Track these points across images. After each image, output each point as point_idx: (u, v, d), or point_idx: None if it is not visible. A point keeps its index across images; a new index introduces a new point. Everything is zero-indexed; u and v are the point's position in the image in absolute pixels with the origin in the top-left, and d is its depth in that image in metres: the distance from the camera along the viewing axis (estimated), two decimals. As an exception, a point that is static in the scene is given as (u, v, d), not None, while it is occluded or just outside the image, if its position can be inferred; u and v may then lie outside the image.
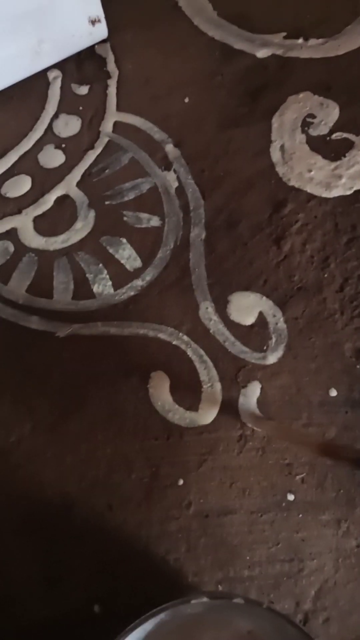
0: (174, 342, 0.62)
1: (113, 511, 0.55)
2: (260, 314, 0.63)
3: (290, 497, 0.56)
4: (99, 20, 0.73)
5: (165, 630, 0.49)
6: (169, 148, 0.70)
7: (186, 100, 0.73)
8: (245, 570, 0.54)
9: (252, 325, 0.62)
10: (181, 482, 0.57)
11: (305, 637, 0.44)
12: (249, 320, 0.62)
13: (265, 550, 0.55)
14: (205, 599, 0.45)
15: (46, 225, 0.67)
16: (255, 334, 0.62)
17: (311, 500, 0.56)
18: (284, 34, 0.76)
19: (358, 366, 0.60)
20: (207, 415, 0.59)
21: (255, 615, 0.48)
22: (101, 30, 0.74)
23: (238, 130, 0.71)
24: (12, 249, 0.66)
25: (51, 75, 0.75)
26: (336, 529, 0.55)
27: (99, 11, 0.72)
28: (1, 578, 0.53)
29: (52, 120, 0.72)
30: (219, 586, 0.53)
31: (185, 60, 0.76)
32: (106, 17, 0.74)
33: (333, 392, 0.59)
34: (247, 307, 0.63)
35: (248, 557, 0.55)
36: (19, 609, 0.53)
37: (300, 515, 0.56)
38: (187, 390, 0.60)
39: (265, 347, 0.61)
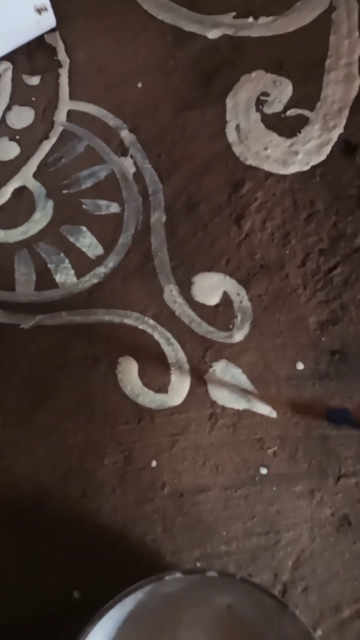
0: (140, 327, 0.62)
1: (88, 498, 0.56)
2: (225, 293, 0.63)
3: (264, 470, 0.57)
4: (46, 9, 0.72)
5: (146, 612, 0.49)
6: (125, 134, 0.70)
7: (140, 85, 0.73)
8: (222, 545, 0.55)
9: (217, 305, 0.63)
10: (154, 463, 0.57)
11: (281, 606, 0.45)
12: (213, 300, 0.63)
13: (241, 524, 0.55)
14: (179, 575, 0.45)
15: (4, 217, 0.67)
16: (221, 314, 0.62)
17: (284, 472, 0.56)
18: (234, 13, 0.76)
19: (323, 339, 0.60)
20: (177, 396, 0.59)
21: (234, 589, 0.48)
22: (49, 19, 0.74)
23: (193, 113, 0.71)
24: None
25: (1, 67, 0.74)
26: (310, 499, 0.56)
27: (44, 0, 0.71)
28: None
29: (4, 112, 0.72)
30: (197, 563, 0.54)
31: (137, 46, 0.75)
32: (55, 6, 0.73)
33: (300, 366, 0.60)
34: (211, 287, 0.63)
35: (224, 533, 0.55)
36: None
37: (274, 488, 0.56)
38: (156, 373, 0.60)
39: (231, 326, 0.61)
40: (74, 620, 0.51)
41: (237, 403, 0.59)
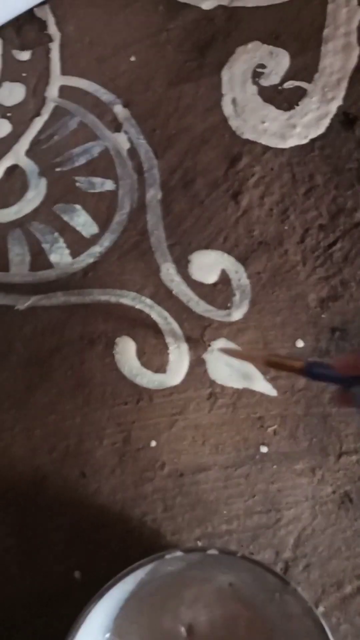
0: (137, 307, 0.61)
1: (87, 479, 0.55)
2: (223, 271, 0.62)
3: (264, 449, 0.56)
4: (35, -20, 0.70)
5: (147, 590, 0.49)
6: (118, 109, 0.68)
7: (132, 59, 0.71)
8: (223, 525, 0.54)
9: (215, 284, 0.62)
10: (154, 443, 0.56)
11: (284, 583, 0.45)
12: (211, 278, 0.62)
13: (242, 503, 0.55)
14: (179, 553, 0.45)
15: (-3, 197, 0.66)
16: (219, 292, 0.61)
17: (284, 451, 0.56)
18: (228, -17, 0.74)
19: (323, 316, 0.59)
20: (176, 376, 0.58)
21: (235, 568, 0.48)
22: (38, -9, 0.72)
23: (188, 86, 0.69)
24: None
25: (-11, 42, 0.72)
26: (311, 477, 0.55)
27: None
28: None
29: (-6, 88, 0.70)
30: (198, 543, 0.54)
31: (129, 17, 0.73)
32: (43, -22, 0.71)
33: (300, 344, 0.59)
34: (209, 265, 0.62)
35: (225, 512, 0.55)
36: (-1, 583, 0.52)
37: (275, 467, 0.56)
38: (154, 353, 0.59)
39: (229, 304, 0.61)
40: (74, 599, 0.51)
41: (236, 382, 0.58)
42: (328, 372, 0.39)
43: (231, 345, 0.59)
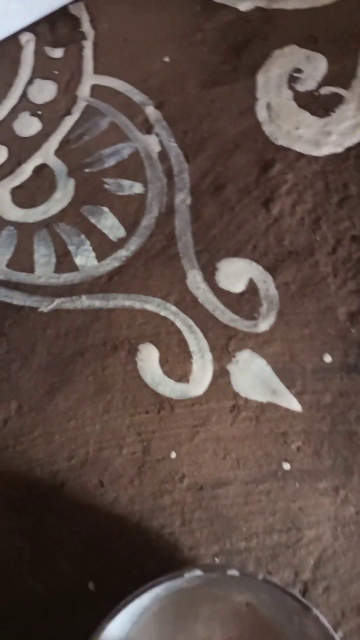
0: (161, 313, 0.60)
1: (105, 488, 0.54)
2: (250, 280, 0.60)
3: (286, 466, 0.55)
4: (71, -23, 0.69)
5: (162, 606, 0.48)
6: (150, 110, 0.67)
7: (166, 59, 0.70)
8: (242, 542, 0.53)
9: (242, 293, 0.60)
10: (174, 455, 0.55)
11: (304, 608, 0.43)
12: (238, 287, 0.60)
13: (262, 521, 0.53)
14: (198, 572, 0.44)
15: (24, 196, 0.65)
16: (246, 302, 0.60)
17: (308, 468, 0.54)
18: (267, -16, 0.72)
19: (353, 330, 0.58)
20: (199, 386, 0.57)
21: (253, 587, 0.47)
22: (74, -12, 0.71)
23: (221, 89, 0.68)
24: (-10, 221, 0.63)
25: (23, 38, 0.71)
26: (334, 497, 0.54)
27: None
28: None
29: (26, 86, 0.69)
30: (216, 559, 0.52)
31: (164, 16, 0.72)
32: (79, -26, 0.70)
33: (327, 358, 0.57)
34: (237, 273, 0.61)
35: (244, 529, 0.53)
36: (9, 585, 0.52)
37: (297, 485, 0.54)
38: (177, 362, 0.58)
39: (256, 315, 0.59)
40: (86, 608, 0.50)
41: (260, 395, 0.57)
42: None
43: (256, 357, 0.58)
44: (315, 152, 0.64)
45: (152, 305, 0.60)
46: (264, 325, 0.59)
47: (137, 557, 0.52)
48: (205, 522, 0.53)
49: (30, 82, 0.69)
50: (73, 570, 0.52)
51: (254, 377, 0.57)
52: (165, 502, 0.54)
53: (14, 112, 0.68)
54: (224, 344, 0.58)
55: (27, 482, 0.54)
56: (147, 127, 0.67)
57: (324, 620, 0.43)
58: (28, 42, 0.71)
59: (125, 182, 0.65)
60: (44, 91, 0.69)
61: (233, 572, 0.44)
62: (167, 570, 0.49)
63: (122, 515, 0.53)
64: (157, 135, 0.66)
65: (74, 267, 0.62)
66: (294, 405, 0.56)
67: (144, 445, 0.56)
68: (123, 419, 0.56)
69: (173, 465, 0.55)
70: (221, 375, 0.58)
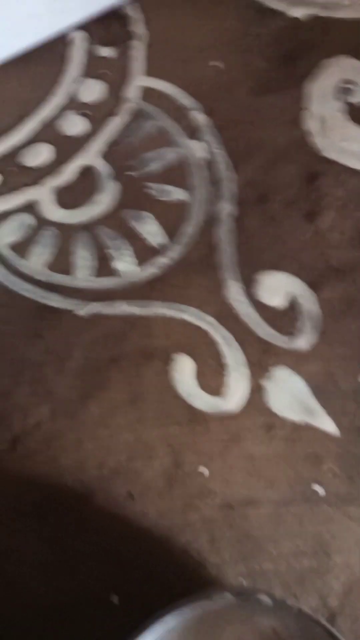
0: (198, 324, 0.59)
1: (133, 500, 0.53)
2: (291, 295, 0.59)
3: (318, 489, 0.53)
4: (125, -24, 0.68)
5: (185, 626, 0.47)
6: (197, 115, 0.66)
7: (217, 63, 0.69)
8: (269, 563, 0.52)
9: (282, 308, 0.59)
10: (205, 470, 0.54)
11: (333, 639, 0.42)
12: (278, 301, 0.59)
13: (291, 543, 0.52)
14: (228, 595, 0.43)
15: (67, 196, 0.64)
16: (285, 317, 0.59)
17: (340, 493, 0.53)
18: (324, -9, 0.71)
19: (394, 353, 0.56)
20: (233, 401, 0.56)
21: (281, 612, 0.46)
22: (127, -12, 0.70)
23: (271, 97, 0.67)
24: (31, 222, 0.63)
25: (74, 36, 0.70)
26: (366, 523, 0.52)
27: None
28: (13, 560, 0.52)
29: (74, 84, 0.68)
30: (242, 579, 0.51)
31: (216, 19, 0.71)
32: (134, -27, 0.69)
33: (365, 380, 0.56)
34: (277, 287, 0.60)
35: (272, 551, 0.52)
36: (31, 593, 0.51)
37: (328, 509, 0.53)
38: (212, 375, 0.57)
39: (295, 331, 0.58)
40: (107, 622, 0.50)
41: (296, 414, 0.55)
42: None
43: (293, 375, 0.56)
44: (364, 167, 0.63)
45: (190, 315, 0.59)
46: (302, 342, 0.57)
47: (163, 573, 0.52)
48: (233, 541, 0.53)
49: (78, 80, 0.69)
50: (96, 582, 0.51)
51: (290, 395, 0.56)
52: (193, 518, 0.53)
53: (60, 111, 0.67)
54: (261, 359, 0.57)
55: (55, 488, 0.54)
56: (194, 133, 0.66)
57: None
58: (79, 39, 0.70)
59: (169, 188, 0.64)
60: (93, 91, 0.68)
61: (263, 598, 0.43)
62: (192, 588, 0.49)
63: (150, 528, 0.53)
64: (204, 141, 0.65)
65: (113, 272, 0.61)
66: (330, 427, 0.55)
67: (175, 458, 0.55)
68: (155, 429, 0.56)
69: (203, 481, 0.54)
70: (256, 391, 0.56)
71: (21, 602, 0.51)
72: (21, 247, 0.62)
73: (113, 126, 0.66)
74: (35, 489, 0.54)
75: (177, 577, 0.51)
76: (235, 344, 0.58)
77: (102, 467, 0.55)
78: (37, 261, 0.61)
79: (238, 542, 0.52)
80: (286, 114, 0.66)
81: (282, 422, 0.55)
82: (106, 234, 0.62)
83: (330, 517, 0.53)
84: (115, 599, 0.51)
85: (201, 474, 0.54)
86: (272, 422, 0.55)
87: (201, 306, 0.59)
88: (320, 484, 0.53)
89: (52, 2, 0.65)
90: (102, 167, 0.65)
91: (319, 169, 0.64)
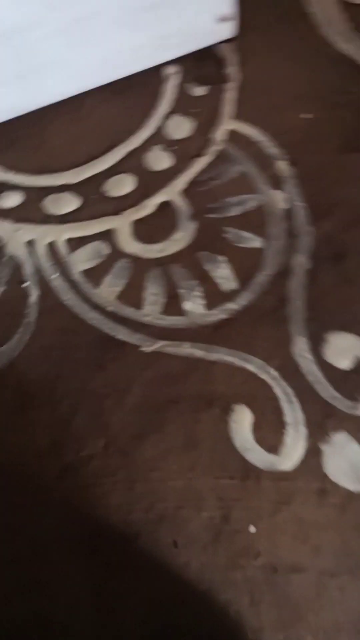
0: (261, 376, 0.58)
1: (178, 549, 0.52)
2: (358, 359, 0.58)
3: (366, 563, 0.52)
4: (228, 19, 0.68)
5: None
6: (282, 165, 0.66)
7: (307, 116, 0.68)
8: (308, 634, 0.50)
9: (347, 370, 0.58)
10: (252, 529, 0.53)
11: None
12: (344, 363, 0.58)
13: (332, 616, 0.51)
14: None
15: (144, 231, 0.64)
16: (350, 380, 0.57)
17: (388, 571, 0.52)
18: None
19: None
20: (288, 460, 0.55)
21: None
22: (228, 30, 0.70)
23: (358, 156, 0.66)
24: (107, 251, 0.63)
25: (169, 71, 0.71)
26: None
27: (229, 9, 0.67)
28: (49, 599, 0.51)
29: (164, 119, 0.69)
30: (279, 649, 0.50)
31: (311, 72, 0.71)
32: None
33: None
34: (345, 349, 0.59)
35: (312, 621, 0.51)
36: (64, 635, 0.50)
37: (374, 586, 0.51)
38: (270, 430, 0.56)
39: (358, 396, 0.57)
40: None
41: (351, 483, 0.54)
42: None
43: (352, 442, 0.55)
44: None
45: (254, 365, 0.58)
46: (365, 409, 0.56)
47: (200, 629, 0.50)
48: (274, 606, 0.51)
49: (168, 116, 0.69)
50: (132, 629, 0.50)
51: (347, 462, 0.55)
52: (236, 577, 0.52)
53: (148, 144, 0.68)
54: (321, 420, 0.56)
55: (101, 527, 0.53)
56: (276, 182, 0.65)
57: None
58: (173, 75, 0.71)
59: (246, 235, 0.63)
60: (181, 127, 0.68)
61: None
62: (228, 650, 0.48)
63: (191, 581, 0.52)
64: (286, 192, 0.65)
65: (181, 312, 0.61)
66: (385, 501, 0.53)
67: (223, 512, 0.54)
68: (207, 480, 0.55)
69: (250, 540, 0.53)
70: (313, 454, 0.55)
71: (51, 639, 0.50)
72: (94, 275, 0.62)
73: (197, 166, 0.66)
74: (82, 526, 0.53)
75: (213, 636, 0.50)
76: (297, 402, 0.57)
77: (149, 511, 0.54)
78: (108, 291, 0.61)
79: (279, 607, 0.51)
80: (372, 175, 0.66)
81: (336, 488, 0.54)
82: (179, 273, 0.62)
83: (375, 595, 0.51)
84: (150, 650, 0.50)
85: (248, 532, 0.53)
86: (325, 488, 0.54)
87: (266, 358, 0.59)
88: (368, 558, 0.52)
89: (156, 38, 0.66)
90: (182, 205, 0.65)
91: None
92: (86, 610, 0.51)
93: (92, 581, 0.52)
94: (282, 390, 0.57)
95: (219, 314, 0.61)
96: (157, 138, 0.68)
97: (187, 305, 0.61)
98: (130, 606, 0.51)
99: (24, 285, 0.61)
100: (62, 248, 0.63)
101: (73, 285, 0.61)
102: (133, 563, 0.52)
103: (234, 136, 0.68)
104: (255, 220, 0.64)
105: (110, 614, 0.51)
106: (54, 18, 0.59)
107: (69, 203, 0.65)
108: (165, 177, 0.66)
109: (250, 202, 0.65)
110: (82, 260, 0.62)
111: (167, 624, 0.51)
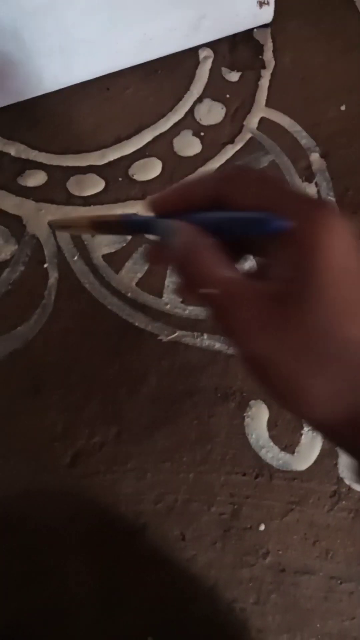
0: (280, 372, 0.56)
1: (185, 542, 0.52)
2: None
3: (376, 570, 0.51)
4: (268, 3, 0.66)
5: None
6: (315, 158, 0.64)
7: (343, 108, 0.66)
8: (313, 638, 0.50)
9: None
10: (262, 527, 0.52)
11: None
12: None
13: (339, 622, 0.50)
14: None
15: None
16: (370, 382, 0.56)
17: None
18: None
19: None
20: (303, 460, 0.54)
21: None
22: (266, 14, 0.68)
23: (395, 152, 0.64)
24: (129, 236, 0.61)
25: (202, 54, 0.69)
26: None
27: (269, -7, 0.65)
28: (57, 589, 0.50)
29: (195, 103, 0.67)
30: (283, 651, 0.49)
31: (349, 62, 0.68)
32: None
33: None
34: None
35: (318, 626, 0.50)
36: (70, 627, 0.50)
37: (383, 593, 0.50)
38: (286, 429, 0.55)
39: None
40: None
41: (365, 487, 0.53)
42: (140, 218, 0.31)
43: None
44: None
45: (273, 361, 0.57)
46: (384, 413, 0.55)
47: (204, 626, 0.50)
48: (280, 607, 0.50)
49: (199, 100, 0.67)
50: (136, 624, 0.50)
51: None
52: (243, 575, 0.51)
53: (177, 128, 0.66)
54: (338, 422, 0.55)
55: (110, 517, 0.52)
56: (308, 175, 0.63)
57: None
58: (207, 58, 0.69)
59: (273, 227, 0.61)
60: (212, 113, 0.66)
61: None
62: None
63: (197, 576, 0.51)
64: (317, 185, 0.63)
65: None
66: None
67: (234, 508, 0.53)
68: (218, 474, 0.54)
69: (259, 539, 0.52)
70: (329, 456, 0.54)
71: (57, 630, 0.50)
72: (115, 260, 0.60)
73: (227, 153, 0.64)
74: (92, 516, 0.52)
75: (217, 634, 0.50)
76: (314, 401, 0.55)
77: (159, 502, 0.53)
78: (129, 277, 0.60)
79: (284, 609, 0.50)
80: None
81: (350, 492, 0.53)
82: (202, 262, 0.60)
83: (384, 604, 0.50)
84: (150, 641, 0.49)
85: (258, 530, 0.52)
86: (339, 491, 0.53)
87: (286, 355, 0.57)
88: (378, 565, 0.51)
89: (192, 20, 0.64)
90: (209, 193, 0.63)
91: None
92: (93, 603, 0.50)
93: (100, 574, 0.51)
94: (300, 388, 0.56)
95: (240, 307, 0.59)
96: (188, 122, 0.66)
97: (209, 296, 0.59)
98: (135, 599, 0.50)
99: (44, 266, 0.60)
100: (85, 230, 0.62)
101: (93, 269, 0.60)
102: (140, 555, 0.51)
103: (266, 124, 0.66)
104: (283, 213, 0.62)
105: (115, 606, 0.50)
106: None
107: (94, 185, 0.63)
108: (193, 163, 0.64)
109: (279, 193, 0.63)
110: (103, 245, 0.61)
111: (172, 618, 0.50)
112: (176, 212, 0.28)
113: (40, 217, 0.62)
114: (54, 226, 0.55)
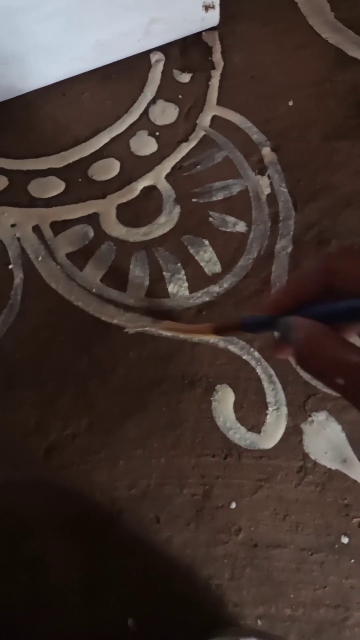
0: (244, 357, 0.59)
1: (160, 525, 0.53)
2: (339, 341, 0.59)
3: (345, 539, 0.53)
4: (213, 7, 0.69)
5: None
6: (266, 152, 0.67)
7: (291, 103, 0.69)
8: (287, 609, 0.51)
9: (328, 352, 0.59)
10: (233, 505, 0.54)
11: None
12: (325, 346, 0.59)
13: (311, 592, 0.52)
14: (254, 639, 0.43)
15: (129, 214, 0.65)
16: (331, 362, 0.58)
17: (366, 547, 0.53)
18: None
19: None
20: (269, 439, 0.56)
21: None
22: (213, 18, 0.71)
23: (343, 143, 0.67)
24: (91, 234, 0.63)
25: (154, 57, 0.72)
26: (389, 581, 0.52)
27: (215, -2, 0.68)
28: (39, 579, 0.52)
29: (149, 105, 0.69)
30: (259, 622, 0.51)
31: (296, 61, 0.72)
32: (220, 5, 0.70)
33: None
34: (326, 332, 0.59)
35: (292, 596, 0.52)
36: (53, 614, 0.51)
37: (352, 561, 0.52)
38: (252, 410, 0.57)
39: (339, 378, 0.58)
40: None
41: (330, 461, 0.55)
42: (259, 319, 0.35)
43: (332, 421, 0.56)
44: None
45: (236, 347, 0.59)
46: (345, 390, 0.57)
47: (182, 604, 0.51)
48: (254, 581, 0.52)
49: (153, 101, 0.69)
50: (118, 607, 0.51)
51: (326, 441, 0.56)
52: (217, 553, 0.53)
53: (133, 129, 0.68)
54: (302, 401, 0.57)
55: (87, 505, 0.54)
56: (260, 168, 0.66)
57: None
58: (158, 61, 0.71)
59: (230, 219, 0.64)
60: (165, 113, 0.69)
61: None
62: (209, 622, 0.49)
63: (174, 557, 0.52)
64: (270, 177, 0.66)
65: (165, 294, 0.61)
66: None
67: (205, 489, 0.55)
68: (189, 457, 0.56)
69: (231, 516, 0.54)
70: (294, 433, 0.56)
71: (41, 618, 0.51)
72: (78, 258, 0.62)
73: (182, 151, 0.67)
74: (69, 506, 0.54)
75: (196, 611, 0.51)
76: (278, 383, 0.58)
77: (133, 487, 0.55)
78: (93, 274, 0.62)
79: (259, 582, 0.52)
80: (357, 163, 0.66)
81: (316, 467, 0.55)
82: (163, 256, 0.63)
83: (354, 570, 0.52)
84: (130, 623, 0.50)
85: (230, 508, 0.54)
86: (305, 466, 0.55)
87: (248, 340, 0.59)
88: (347, 535, 0.53)
89: (143, 25, 0.66)
90: (166, 189, 0.66)
91: (383, 221, 0.64)
92: (75, 590, 0.52)
93: (81, 561, 0.53)
94: (263, 371, 0.58)
95: (202, 297, 0.61)
96: (143, 123, 0.68)
97: (171, 288, 0.61)
98: (116, 584, 0.52)
99: (9, 267, 0.61)
100: (47, 231, 0.64)
101: (58, 267, 0.62)
102: (117, 541, 0.53)
103: (218, 122, 0.68)
104: (239, 205, 0.65)
105: (96, 592, 0.52)
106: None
107: (55, 187, 0.65)
108: (150, 162, 0.67)
109: (234, 187, 0.65)
110: (66, 244, 0.63)
111: (151, 599, 0.52)
112: (292, 309, 0.31)
113: (3, 220, 0.63)
114: (170, 329, 0.58)
